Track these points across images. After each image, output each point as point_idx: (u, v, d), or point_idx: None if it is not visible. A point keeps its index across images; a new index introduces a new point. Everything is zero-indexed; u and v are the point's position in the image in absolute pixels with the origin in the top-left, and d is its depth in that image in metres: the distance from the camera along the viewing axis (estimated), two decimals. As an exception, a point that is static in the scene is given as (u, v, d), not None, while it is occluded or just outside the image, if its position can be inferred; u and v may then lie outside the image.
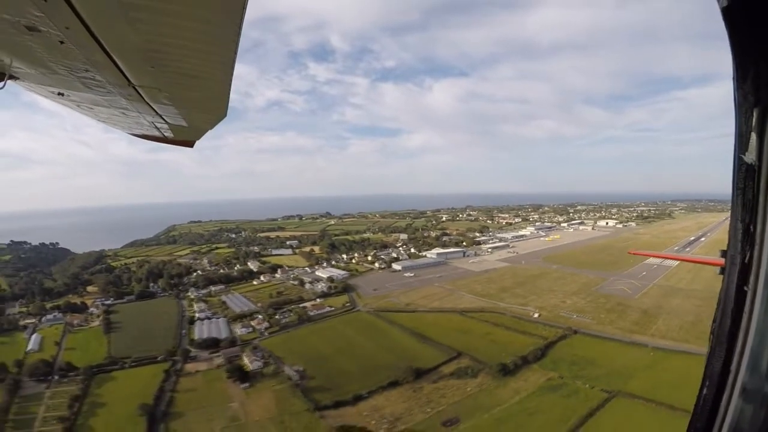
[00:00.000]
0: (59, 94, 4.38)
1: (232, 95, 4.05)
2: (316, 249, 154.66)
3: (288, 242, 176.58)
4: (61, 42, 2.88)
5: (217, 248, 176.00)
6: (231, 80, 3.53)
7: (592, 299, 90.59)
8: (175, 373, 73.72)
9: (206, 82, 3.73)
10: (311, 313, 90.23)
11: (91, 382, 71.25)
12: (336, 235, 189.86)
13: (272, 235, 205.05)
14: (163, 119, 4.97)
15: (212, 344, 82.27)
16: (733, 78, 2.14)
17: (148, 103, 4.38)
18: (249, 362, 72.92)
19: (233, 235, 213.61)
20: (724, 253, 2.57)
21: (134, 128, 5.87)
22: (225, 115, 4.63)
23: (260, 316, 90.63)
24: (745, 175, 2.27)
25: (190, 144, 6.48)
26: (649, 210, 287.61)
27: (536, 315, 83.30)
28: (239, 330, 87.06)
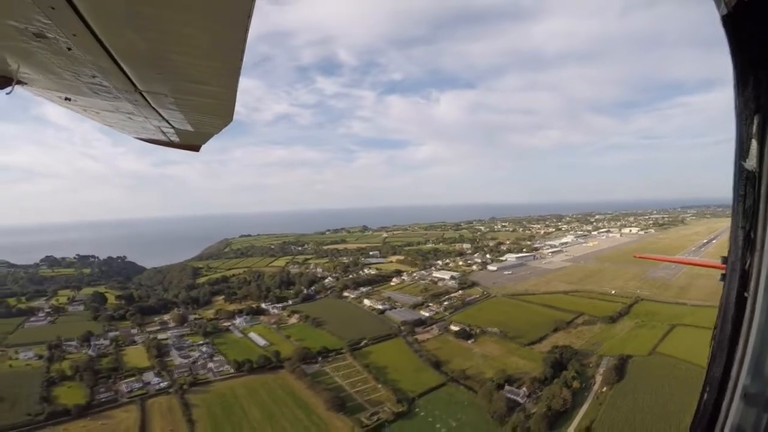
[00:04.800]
0: (66, 99, 4.99)
1: (239, 108, 4.66)
2: (409, 257, 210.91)
3: (371, 252, 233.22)
4: (69, 48, 3.34)
5: (308, 260, 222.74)
6: (237, 86, 4.00)
7: (644, 282, 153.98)
8: (415, 342, 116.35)
9: (212, 88, 4.18)
10: (467, 299, 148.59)
11: (355, 356, 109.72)
12: (401, 246, 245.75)
13: (340, 247, 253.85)
14: (170, 124, 5.58)
15: (419, 323, 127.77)
16: (734, 85, 2.48)
17: (154, 108, 4.92)
18: (459, 329, 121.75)
19: (299, 248, 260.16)
20: (725, 260, 3.00)
21: (140, 132, 6.60)
22: (231, 120, 5.17)
23: (431, 304, 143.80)
24: (745, 182, 2.62)
25: (196, 148, 7.20)
26: (663, 217, 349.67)
27: (613, 292, 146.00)
28: (426, 313, 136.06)
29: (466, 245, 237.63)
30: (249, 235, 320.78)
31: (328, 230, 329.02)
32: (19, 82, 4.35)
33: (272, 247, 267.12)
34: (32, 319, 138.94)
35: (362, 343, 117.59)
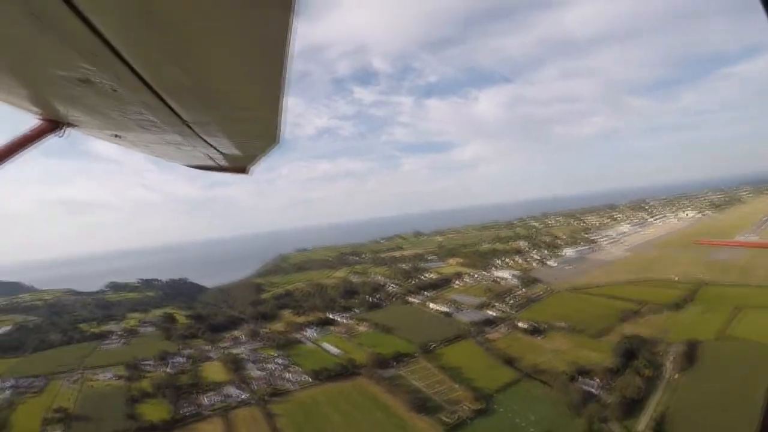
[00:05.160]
0: (116, 136, 5.20)
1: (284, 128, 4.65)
2: (467, 259, 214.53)
3: (428, 257, 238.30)
4: (114, 90, 3.52)
5: (367, 269, 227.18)
6: (281, 108, 3.99)
7: (707, 265, 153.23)
8: (485, 341, 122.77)
9: (258, 113, 4.29)
10: (531, 296, 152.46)
11: (429, 359, 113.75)
12: (457, 248, 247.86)
13: (397, 254, 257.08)
14: (217, 150, 5.74)
15: (487, 323, 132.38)
16: None
17: (201, 137, 5.09)
18: (527, 326, 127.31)
19: (356, 258, 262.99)
20: None
21: (189, 161, 6.85)
22: (278, 142, 5.22)
23: (496, 303, 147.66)
24: None
25: (245, 171, 7.30)
26: (719, 197, 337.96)
27: (676, 278, 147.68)
28: (492, 313, 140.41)
29: (522, 243, 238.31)
30: (305, 249, 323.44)
31: (382, 238, 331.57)
32: (69, 125, 4.68)
33: (329, 259, 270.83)
34: (106, 342, 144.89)
35: (434, 346, 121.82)
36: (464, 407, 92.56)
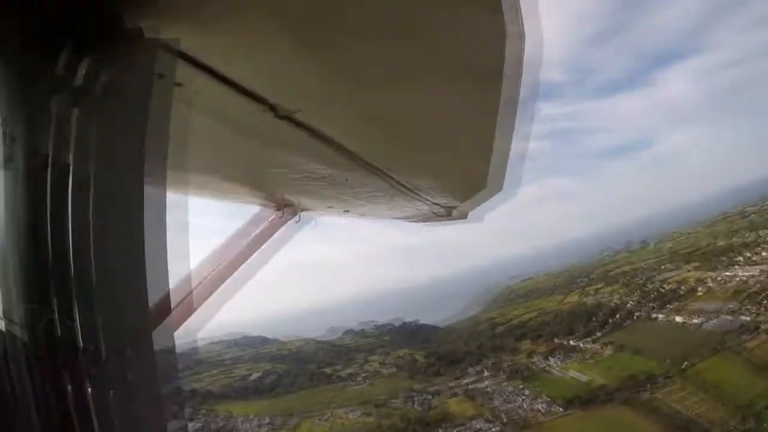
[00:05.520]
0: (345, 211, 5.62)
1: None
2: (705, 262, 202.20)
3: (662, 266, 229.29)
4: (346, 180, 3.83)
5: (599, 289, 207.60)
6: (509, 153, 3.76)
7: None
8: (744, 351, 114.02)
9: (480, 165, 4.06)
10: None
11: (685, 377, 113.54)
12: (691, 252, 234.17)
13: (627, 268, 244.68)
14: (438, 205, 5.83)
15: (743, 330, 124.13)
16: None
17: (427, 199, 5.24)
18: None
19: (585, 279, 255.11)
20: None
21: (412, 218, 7.04)
22: (501, 188, 5.01)
23: (749, 306, 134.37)
24: None
25: (464, 216, 7.15)
26: None
27: None
28: (746, 318, 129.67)
29: (763, 232, 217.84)
30: (529, 278, 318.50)
31: (607, 254, 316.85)
32: (303, 210, 5.08)
33: (557, 284, 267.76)
34: (352, 384, 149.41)
35: (687, 363, 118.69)
36: (730, 427, 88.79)
